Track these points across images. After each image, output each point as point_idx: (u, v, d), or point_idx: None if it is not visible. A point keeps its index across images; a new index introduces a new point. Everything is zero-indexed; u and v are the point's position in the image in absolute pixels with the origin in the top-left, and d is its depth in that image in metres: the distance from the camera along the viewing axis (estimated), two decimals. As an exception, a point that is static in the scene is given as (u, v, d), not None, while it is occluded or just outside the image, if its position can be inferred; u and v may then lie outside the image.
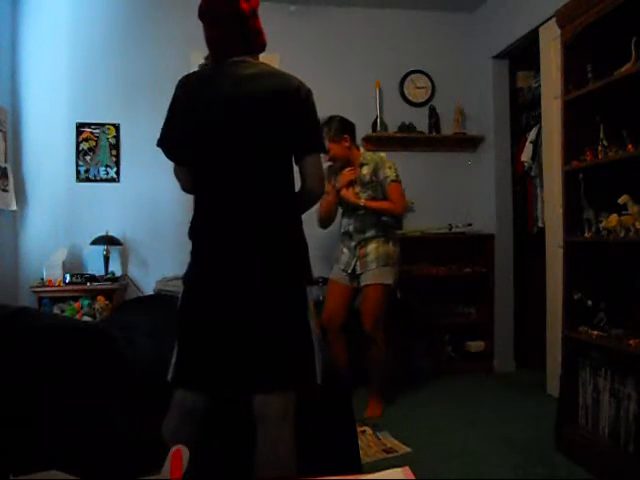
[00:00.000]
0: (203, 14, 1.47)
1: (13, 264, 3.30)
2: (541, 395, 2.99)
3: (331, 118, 2.75)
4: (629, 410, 1.95)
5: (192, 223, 1.47)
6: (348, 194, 2.74)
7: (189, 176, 1.49)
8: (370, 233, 2.74)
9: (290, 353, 1.38)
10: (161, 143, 1.47)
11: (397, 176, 2.71)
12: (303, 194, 1.49)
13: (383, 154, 2.83)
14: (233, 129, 1.40)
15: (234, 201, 1.41)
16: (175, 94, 1.46)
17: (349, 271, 2.79)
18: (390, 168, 2.71)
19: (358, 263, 2.75)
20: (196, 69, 1.57)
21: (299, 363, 1.40)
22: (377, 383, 2.80)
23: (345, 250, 2.84)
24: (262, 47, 1.54)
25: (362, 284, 2.74)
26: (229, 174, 1.41)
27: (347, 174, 2.74)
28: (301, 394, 1.42)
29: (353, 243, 2.79)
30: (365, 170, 2.74)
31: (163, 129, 1.47)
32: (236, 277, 1.38)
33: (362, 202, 2.69)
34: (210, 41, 1.49)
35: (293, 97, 1.41)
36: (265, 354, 1.35)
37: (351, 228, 2.80)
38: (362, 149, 2.92)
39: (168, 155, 1.49)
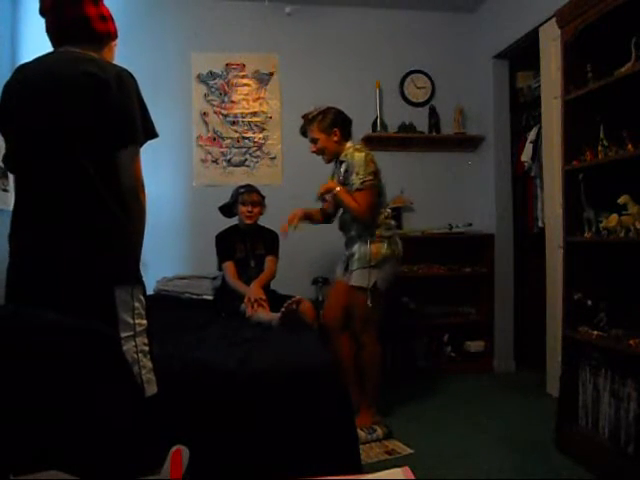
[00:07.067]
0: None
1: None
2: (541, 395, 3.00)
3: (327, 109, 2.67)
4: (629, 410, 1.95)
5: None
6: (326, 185, 2.63)
7: None
8: (352, 232, 2.67)
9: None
10: None
11: (363, 182, 2.51)
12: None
13: (359, 154, 2.55)
14: (36, 121, 1.34)
15: (41, 200, 1.35)
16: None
17: (345, 267, 2.71)
18: (358, 174, 2.52)
19: (349, 261, 2.67)
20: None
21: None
22: (368, 390, 2.63)
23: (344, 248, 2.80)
24: (102, 35, 1.46)
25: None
26: (34, 170, 1.36)
27: (326, 186, 2.65)
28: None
29: (344, 241, 2.75)
30: (343, 168, 2.63)
31: None
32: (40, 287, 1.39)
33: (337, 188, 2.57)
34: (46, 28, 1.44)
35: (94, 84, 1.31)
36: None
37: (340, 227, 2.77)
38: (349, 143, 2.68)
39: None
